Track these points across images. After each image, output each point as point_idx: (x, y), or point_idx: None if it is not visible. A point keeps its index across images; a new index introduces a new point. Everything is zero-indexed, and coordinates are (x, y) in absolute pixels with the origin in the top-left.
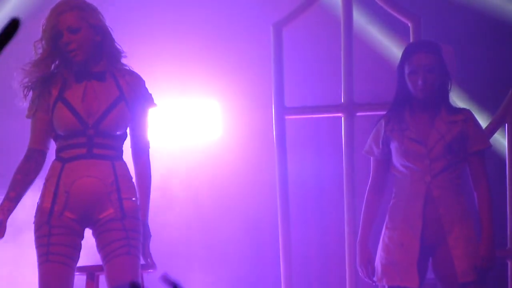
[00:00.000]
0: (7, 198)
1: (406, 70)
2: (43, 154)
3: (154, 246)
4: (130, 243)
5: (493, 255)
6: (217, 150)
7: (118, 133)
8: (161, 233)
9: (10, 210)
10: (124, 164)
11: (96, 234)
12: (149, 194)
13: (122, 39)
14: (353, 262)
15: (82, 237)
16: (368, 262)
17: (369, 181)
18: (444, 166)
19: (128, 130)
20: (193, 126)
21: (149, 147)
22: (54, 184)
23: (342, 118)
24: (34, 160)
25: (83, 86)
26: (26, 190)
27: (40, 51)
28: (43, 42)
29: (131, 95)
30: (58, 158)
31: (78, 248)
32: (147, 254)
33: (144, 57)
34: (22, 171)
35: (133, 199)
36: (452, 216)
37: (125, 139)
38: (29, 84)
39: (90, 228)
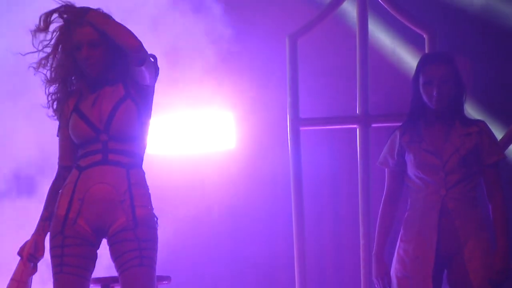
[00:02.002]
0: (41, 218)
1: (421, 81)
2: (71, 170)
3: (167, 255)
4: (142, 254)
5: (508, 268)
6: (231, 161)
7: (130, 134)
8: (174, 240)
9: (45, 229)
10: (141, 172)
11: (109, 244)
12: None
13: None
14: (368, 275)
15: (97, 247)
16: (385, 274)
17: (384, 192)
18: (459, 179)
19: (146, 134)
20: (207, 137)
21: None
22: (70, 191)
23: (357, 129)
24: (63, 177)
25: (96, 94)
26: None
27: (52, 57)
28: (60, 53)
29: (135, 82)
30: (76, 166)
31: (93, 258)
32: None
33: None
34: (53, 190)
35: (147, 206)
36: (468, 229)
37: (143, 145)
38: (54, 101)
39: (105, 238)
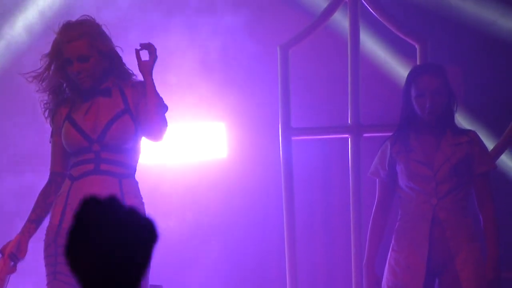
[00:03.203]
0: (28, 220)
1: (413, 93)
2: (63, 176)
3: (158, 264)
4: None
5: (499, 277)
6: (223, 170)
7: (124, 146)
8: (165, 250)
9: (30, 231)
10: (134, 182)
11: None
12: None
13: (132, 64)
14: (360, 285)
15: None
16: (376, 284)
17: (375, 202)
18: (450, 188)
19: (139, 146)
20: (199, 147)
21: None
22: (63, 201)
23: (349, 139)
24: (54, 182)
25: (89, 103)
26: (47, 212)
27: (46, 73)
28: (52, 68)
29: (135, 98)
30: (68, 176)
31: None
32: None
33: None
34: (43, 193)
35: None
36: (459, 239)
37: (136, 156)
38: (47, 109)
39: None
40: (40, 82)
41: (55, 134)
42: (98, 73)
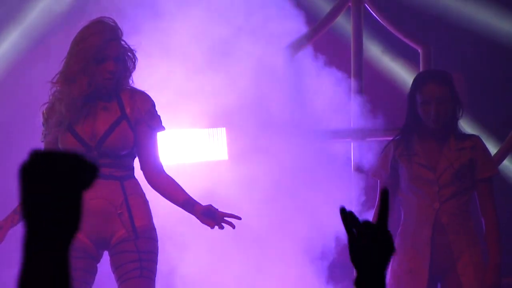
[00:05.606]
0: (13, 210)
1: (418, 100)
2: None
3: (158, 264)
4: (142, 265)
5: (500, 282)
6: (223, 175)
7: (122, 153)
8: (164, 253)
9: (13, 221)
10: (135, 182)
11: (110, 255)
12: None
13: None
14: None
15: (98, 260)
16: None
17: (376, 203)
18: (453, 193)
19: (135, 149)
20: (200, 150)
21: (163, 168)
22: None
23: (352, 143)
24: None
25: (87, 108)
26: None
27: (74, 68)
28: (82, 62)
29: (134, 114)
30: None
31: (93, 272)
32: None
33: (152, 83)
34: None
35: (147, 218)
36: (461, 243)
37: (134, 157)
38: (52, 105)
39: (106, 250)
40: (67, 83)
41: (54, 137)
42: (119, 75)
